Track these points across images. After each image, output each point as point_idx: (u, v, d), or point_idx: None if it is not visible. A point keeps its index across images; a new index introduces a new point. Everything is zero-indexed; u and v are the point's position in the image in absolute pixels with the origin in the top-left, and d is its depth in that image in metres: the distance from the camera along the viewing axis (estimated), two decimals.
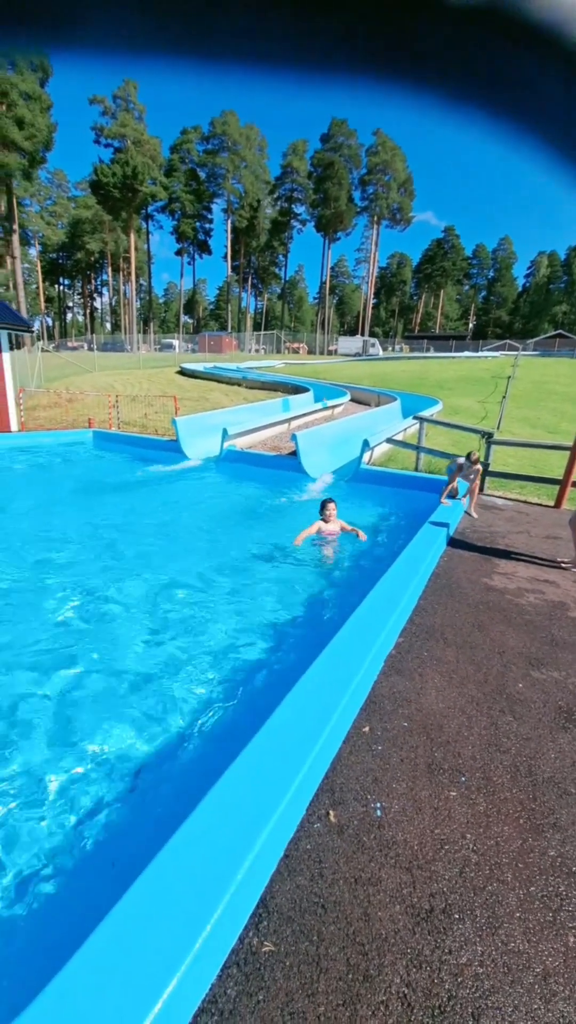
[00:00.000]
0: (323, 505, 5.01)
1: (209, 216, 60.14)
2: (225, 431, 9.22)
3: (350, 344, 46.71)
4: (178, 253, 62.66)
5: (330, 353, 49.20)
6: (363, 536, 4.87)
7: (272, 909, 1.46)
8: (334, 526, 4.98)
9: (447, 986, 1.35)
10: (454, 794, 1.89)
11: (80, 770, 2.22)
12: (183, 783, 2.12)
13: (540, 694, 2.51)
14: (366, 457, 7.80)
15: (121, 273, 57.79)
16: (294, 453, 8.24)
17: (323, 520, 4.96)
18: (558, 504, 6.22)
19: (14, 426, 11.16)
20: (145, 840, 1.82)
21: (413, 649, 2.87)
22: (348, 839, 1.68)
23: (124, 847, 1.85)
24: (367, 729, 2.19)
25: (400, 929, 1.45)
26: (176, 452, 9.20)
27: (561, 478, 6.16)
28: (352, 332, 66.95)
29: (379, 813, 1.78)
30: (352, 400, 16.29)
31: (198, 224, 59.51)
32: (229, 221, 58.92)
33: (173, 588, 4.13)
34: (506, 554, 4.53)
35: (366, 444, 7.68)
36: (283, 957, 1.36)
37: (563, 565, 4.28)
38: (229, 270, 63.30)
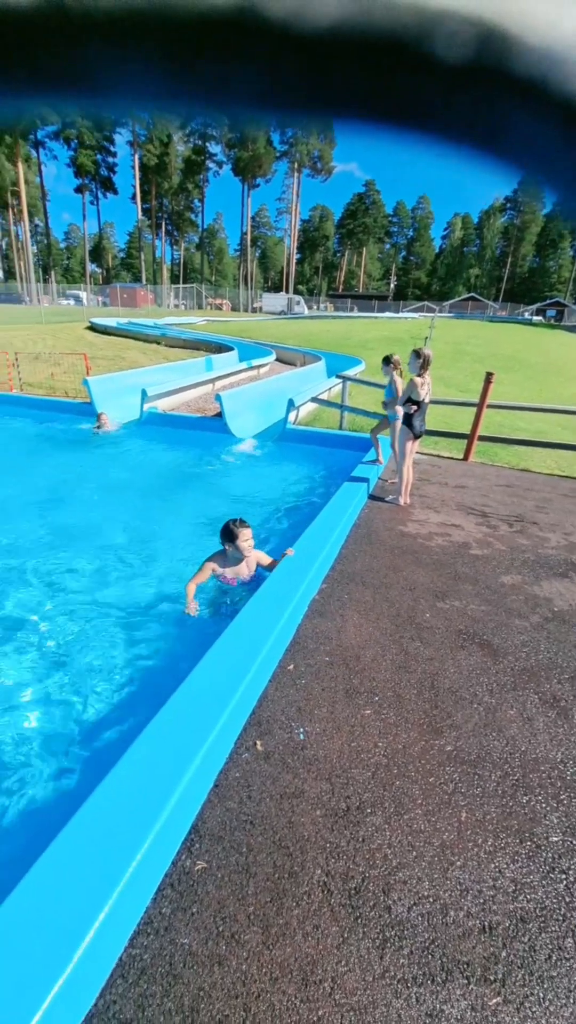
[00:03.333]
0: (229, 530, 2.91)
1: (112, 148, 53.73)
2: (144, 392, 8.70)
3: (275, 301, 45.50)
4: (78, 190, 55.66)
5: (255, 310, 47.57)
6: (290, 551, 3.11)
7: (204, 833, 1.56)
8: (247, 565, 3.05)
9: (361, 869, 1.55)
10: (368, 712, 2.10)
11: (30, 713, 2.26)
12: (119, 725, 2.18)
13: (443, 621, 2.82)
14: (292, 416, 7.82)
15: (11, 211, 50.23)
16: (219, 414, 8.03)
17: (227, 551, 2.97)
18: (466, 457, 6.74)
19: None
20: (83, 774, 1.86)
21: (335, 593, 3.05)
22: (274, 763, 1.81)
23: (64, 780, 1.91)
24: (292, 667, 2.33)
25: (321, 829, 1.62)
26: (90, 416, 8.55)
27: (468, 432, 6.66)
28: (276, 288, 65.03)
29: (302, 736, 1.93)
30: (277, 360, 16.05)
31: (100, 157, 52.92)
32: (136, 156, 53.06)
33: (103, 551, 3.96)
34: (420, 503, 4.88)
35: (291, 403, 7.68)
36: (215, 871, 1.47)
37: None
38: (140, 213, 57.65)
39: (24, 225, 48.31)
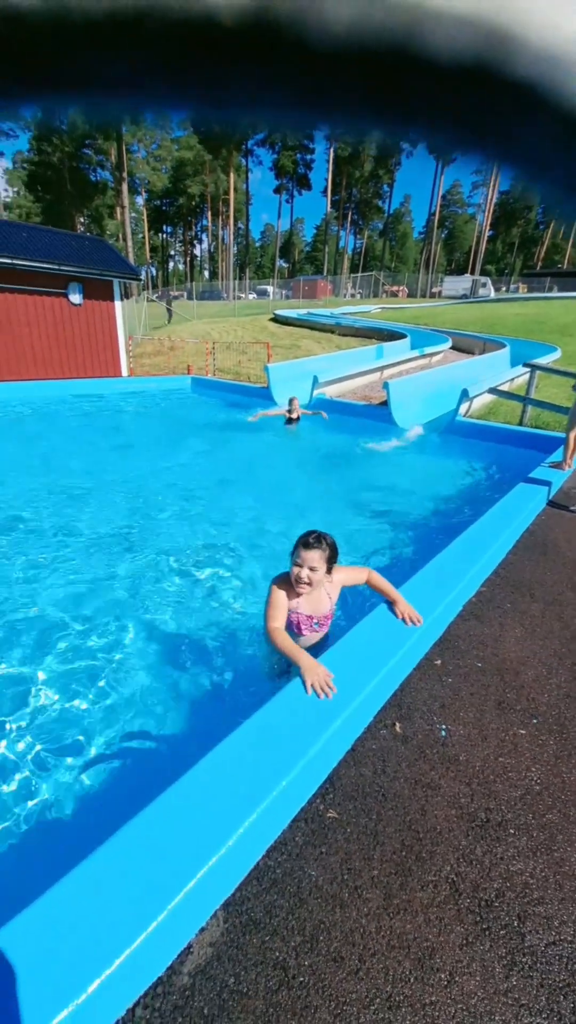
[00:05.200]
0: (297, 552, 2.04)
1: (311, 146, 56.10)
2: (315, 378, 9.14)
3: (456, 284, 42.09)
4: (276, 191, 60.06)
5: (433, 296, 44.94)
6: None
7: (338, 787, 1.67)
8: (321, 597, 2.13)
9: (496, 885, 1.46)
10: (523, 732, 1.91)
11: (186, 667, 2.66)
12: (262, 683, 2.43)
13: None
14: (463, 408, 7.29)
15: (220, 217, 57.07)
16: (385, 402, 7.95)
17: (295, 580, 2.01)
18: None
19: (124, 372, 12.11)
20: (229, 718, 2.15)
21: (495, 599, 2.81)
22: (412, 748, 1.81)
23: (210, 720, 2.25)
24: (439, 662, 2.26)
25: (454, 829, 1.57)
26: (268, 399, 9.37)
27: None
28: (461, 271, 60.05)
29: (444, 734, 1.88)
30: (453, 348, 15.00)
31: (299, 156, 55.92)
32: (331, 150, 54.47)
33: (272, 525, 4.39)
34: None
35: (465, 394, 7.15)
36: (344, 824, 1.56)
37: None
38: (328, 206, 59.37)
39: (230, 229, 54.49)
